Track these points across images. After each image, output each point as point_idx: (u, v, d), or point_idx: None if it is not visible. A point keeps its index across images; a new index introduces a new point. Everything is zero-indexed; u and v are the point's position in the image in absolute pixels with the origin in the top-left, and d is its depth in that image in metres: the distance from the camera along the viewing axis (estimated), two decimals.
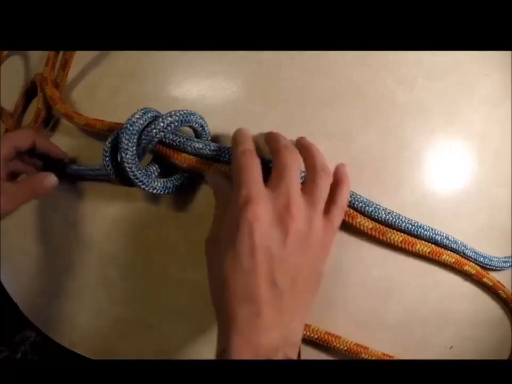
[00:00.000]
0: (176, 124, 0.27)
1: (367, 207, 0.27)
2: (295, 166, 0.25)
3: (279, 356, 0.22)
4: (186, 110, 0.27)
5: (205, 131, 0.29)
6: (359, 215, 0.27)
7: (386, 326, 0.30)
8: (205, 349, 0.31)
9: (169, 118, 0.27)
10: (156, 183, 0.27)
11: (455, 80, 0.31)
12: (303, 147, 0.27)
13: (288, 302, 0.23)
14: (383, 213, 0.27)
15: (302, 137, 0.28)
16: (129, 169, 0.26)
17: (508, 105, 0.32)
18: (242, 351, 0.21)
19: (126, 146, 0.26)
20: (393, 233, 0.28)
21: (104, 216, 0.31)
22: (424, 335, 0.31)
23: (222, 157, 0.28)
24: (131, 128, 0.26)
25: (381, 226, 0.27)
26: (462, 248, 0.29)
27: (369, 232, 0.27)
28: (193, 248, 0.30)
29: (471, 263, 0.30)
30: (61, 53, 0.33)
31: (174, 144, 0.28)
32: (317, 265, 0.25)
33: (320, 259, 0.25)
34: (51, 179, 0.30)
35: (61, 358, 0.36)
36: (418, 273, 0.29)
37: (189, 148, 0.28)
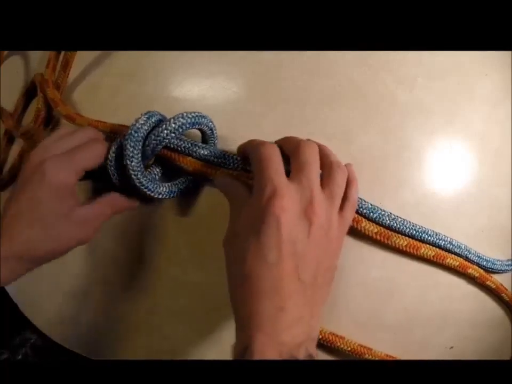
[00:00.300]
0: (180, 130, 0.26)
1: (372, 213, 0.27)
2: (315, 160, 0.25)
3: (301, 353, 0.22)
4: (193, 113, 0.27)
5: (213, 134, 0.28)
6: (364, 219, 0.27)
7: (386, 326, 0.30)
8: (205, 350, 0.31)
9: (173, 125, 0.26)
10: (161, 188, 0.27)
11: (455, 80, 0.31)
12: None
13: (310, 297, 0.23)
14: (387, 219, 0.27)
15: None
16: (135, 177, 0.26)
17: (508, 105, 0.32)
18: (266, 349, 0.21)
19: (131, 154, 0.25)
20: (398, 237, 0.28)
21: None
22: (424, 336, 0.31)
23: (227, 164, 0.28)
24: (136, 135, 0.25)
25: (386, 231, 0.28)
26: (466, 252, 0.29)
27: (374, 236, 0.27)
28: (194, 249, 0.30)
29: (474, 266, 0.30)
30: (62, 53, 0.33)
31: (179, 149, 0.27)
32: (333, 260, 0.25)
33: (336, 254, 0.25)
34: (132, 202, 0.28)
35: (61, 359, 0.36)
36: (418, 274, 0.29)
37: (194, 154, 0.27)
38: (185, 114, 0.26)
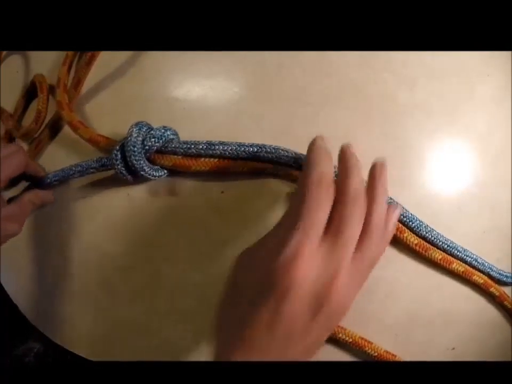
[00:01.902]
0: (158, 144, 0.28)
1: (411, 222, 0.28)
2: (358, 222, 0.21)
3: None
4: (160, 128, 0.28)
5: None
6: (406, 230, 0.28)
7: (387, 327, 0.30)
8: (204, 351, 0.31)
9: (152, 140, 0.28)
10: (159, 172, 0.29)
11: (456, 81, 0.31)
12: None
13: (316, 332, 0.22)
14: (424, 229, 0.28)
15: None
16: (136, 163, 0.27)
17: (510, 105, 0.32)
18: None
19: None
20: (434, 250, 0.28)
21: (104, 217, 0.31)
22: (426, 337, 0.31)
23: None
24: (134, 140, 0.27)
25: (425, 243, 0.28)
26: (488, 270, 0.30)
27: (414, 247, 0.28)
28: (194, 249, 0.30)
29: (479, 273, 0.30)
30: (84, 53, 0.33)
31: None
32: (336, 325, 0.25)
33: (343, 316, 0.23)
34: (50, 196, 0.32)
35: (61, 359, 0.36)
36: (420, 274, 0.29)
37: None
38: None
